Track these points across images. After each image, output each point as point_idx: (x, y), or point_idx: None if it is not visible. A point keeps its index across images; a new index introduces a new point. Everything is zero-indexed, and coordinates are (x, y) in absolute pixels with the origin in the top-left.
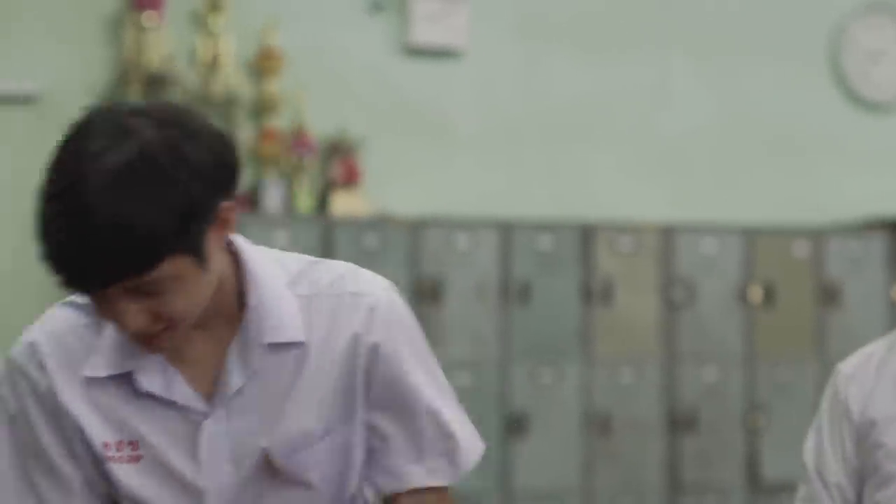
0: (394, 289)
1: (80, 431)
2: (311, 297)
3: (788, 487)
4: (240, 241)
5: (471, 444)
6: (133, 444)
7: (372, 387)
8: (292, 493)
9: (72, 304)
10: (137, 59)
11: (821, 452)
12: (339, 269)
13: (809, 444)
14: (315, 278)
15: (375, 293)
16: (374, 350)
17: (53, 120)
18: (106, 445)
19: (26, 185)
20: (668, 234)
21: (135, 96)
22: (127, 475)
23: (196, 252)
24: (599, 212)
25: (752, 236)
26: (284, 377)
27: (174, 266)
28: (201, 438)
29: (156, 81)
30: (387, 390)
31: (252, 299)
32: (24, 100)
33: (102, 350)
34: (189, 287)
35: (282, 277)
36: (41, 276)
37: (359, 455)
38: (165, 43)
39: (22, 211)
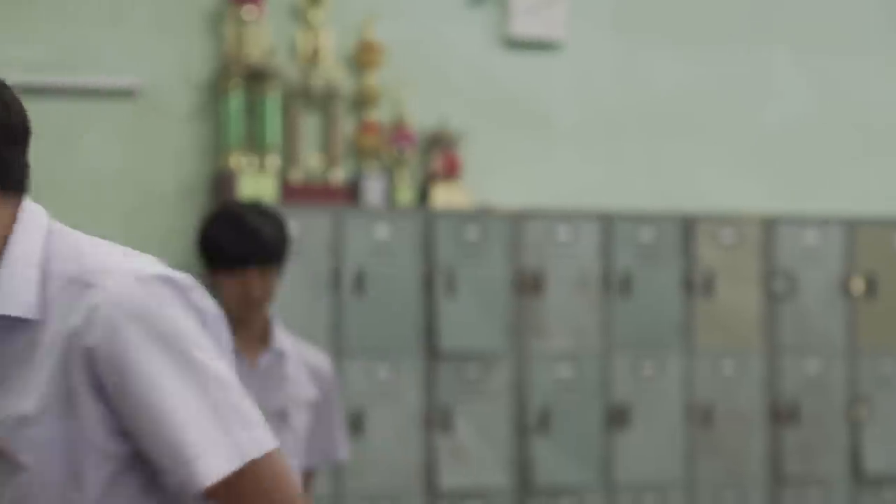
0: (153, 282)
1: None
2: (59, 281)
3: (891, 479)
4: (36, 213)
5: (207, 469)
6: None
7: (104, 391)
8: (10, 472)
9: None
10: (238, 52)
11: None
12: (100, 256)
13: None
14: (77, 263)
15: (107, 288)
16: (89, 354)
17: (154, 113)
18: None
19: (130, 177)
20: (769, 226)
21: (235, 90)
22: None
23: None
24: (700, 203)
25: (853, 227)
26: (11, 352)
27: None
28: None
29: (256, 75)
30: (121, 400)
31: None
32: (126, 93)
33: None
34: None
35: (37, 254)
36: None
37: (94, 453)
38: (265, 36)
39: (127, 202)
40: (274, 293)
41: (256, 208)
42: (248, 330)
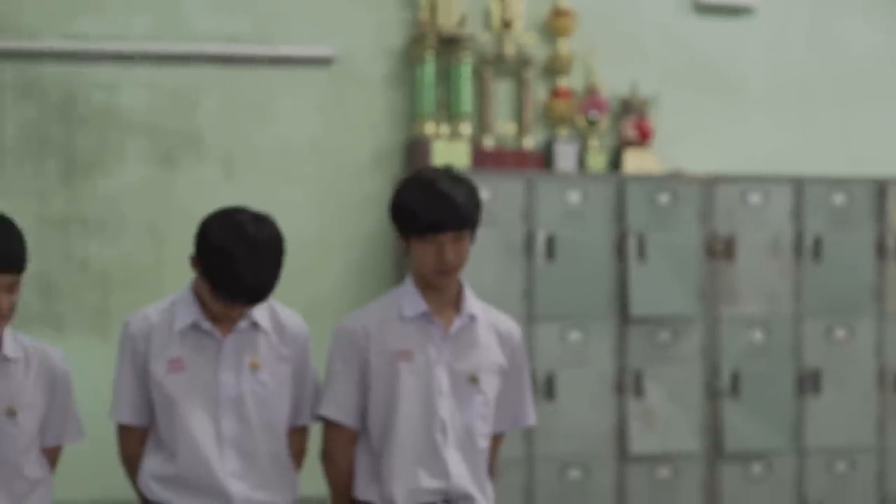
0: None
1: None
2: None
3: None
4: None
5: None
6: None
7: None
8: None
9: None
10: (431, 21)
11: None
12: None
13: None
14: None
15: None
16: None
17: (349, 82)
18: None
19: (325, 145)
20: None
21: (429, 58)
22: None
23: None
24: (894, 168)
25: None
26: None
27: None
28: None
29: (449, 43)
30: None
31: None
32: (321, 62)
33: None
34: None
35: None
36: (344, 232)
37: None
38: (459, 5)
39: (322, 169)
40: (466, 258)
41: (449, 174)
42: (441, 295)
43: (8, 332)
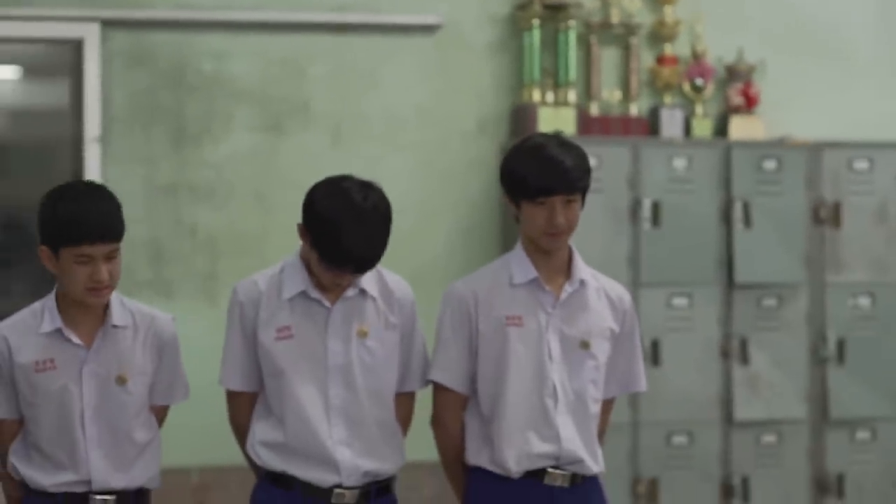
0: None
1: None
2: None
3: None
4: None
5: None
6: None
7: None
8: None
9: None
10: None
11: None
12: None
13: None
14: None
15: None
16: None
17: (455, 49)
18: None
19: (431, 112)
20: None
21: (534, 25)
22: None
23: None
24: None
25: None
26: None
27: None
28: None
29: (555, 10)
30: None
31: None
32: (428, 30)
33: None
34: None
35: None
36: (450, 199)
37: None
38: None
39: (428, 136)
40: (576, 223)
41: (558, 139)
42: (551, 261)
43: (115, 300)
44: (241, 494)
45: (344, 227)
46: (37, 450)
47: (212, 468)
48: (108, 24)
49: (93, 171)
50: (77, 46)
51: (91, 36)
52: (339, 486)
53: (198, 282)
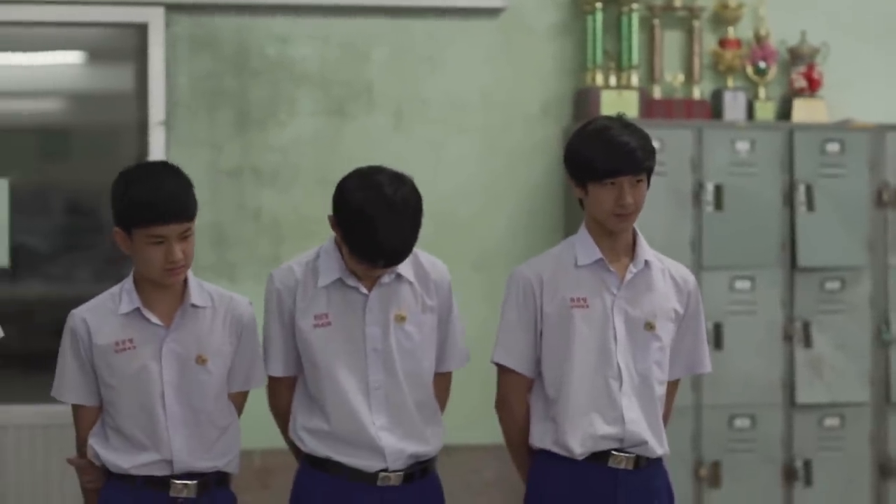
0: None
1: None
2: None
3: None
4: None
5: None
6: None
7: None
8: None
9: None
10: None
11: None
12: None
13: None
14: None
15: None
16: None
17: (518, 32)
18: None
19: (494, 95)
20: None
21: (597, 8)
22: None
23: None
24: None
25: None
26: None
27: None
28: None
29: None
30: None
31: None
32: (491, 13)
33: None
34: None
35: None
36: (513, 182)
37: None
38: None
39: (490, 119)
40: (643, 203)
41: (621, 121)
42: (616, 243)
43: (193, 281)
44: None
45: (375, 221)
46: (117, 432)
47: (274, 451)
48: (172, 9)
49: (157, 156)
50: (142, 31)
51: (156, 20)
52: (384, 470)
53: (261, 265)
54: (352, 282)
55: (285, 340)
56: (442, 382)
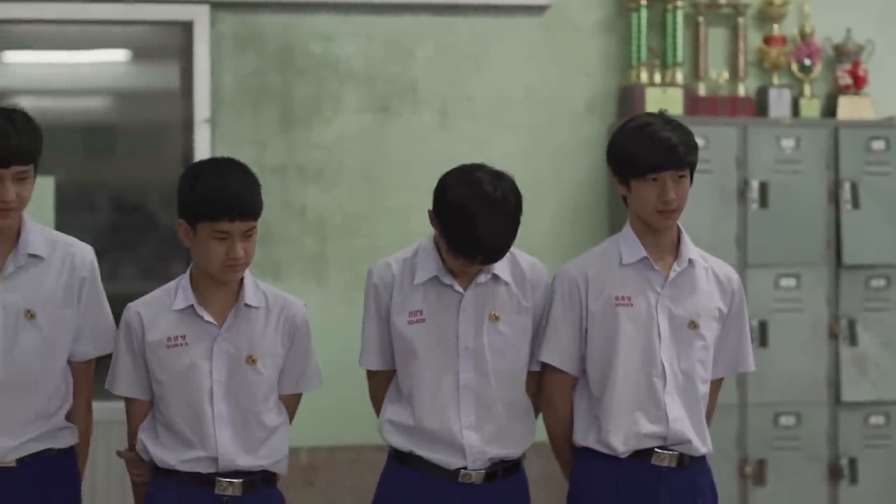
0: None
1: None
2: None
3: None
4: None
5: None
6: None
7: None
8: None
9: None
10: None
11: None
12: None
13: None
14: None
15: None
16: None
17: (563, 29)
18: None
19: (539, 92)
20: None
21: (642, 6)
22: None
23: None
24: None
25: None
26: None
27: None
28: None
29: None
30: None
31: None
32: (536, 10)
33: None
34: None
35: None
36: (558, 180)
37: None
38: None
39: (535, 117)
40: (686, 199)
41: (662, 117)
42: (660, 241)
43: (249, 280)
44: (349, 475)
45: (474, 217)
46: (166, 427)
47: (320, 448)
48: (217, 7)
49: (202, 153)
50: (187, 29)
51: (201, 18)
52: (464, 468)
53: (306, 263)
54: (448, 280)
55: (381, 335)
56: (534, 382)
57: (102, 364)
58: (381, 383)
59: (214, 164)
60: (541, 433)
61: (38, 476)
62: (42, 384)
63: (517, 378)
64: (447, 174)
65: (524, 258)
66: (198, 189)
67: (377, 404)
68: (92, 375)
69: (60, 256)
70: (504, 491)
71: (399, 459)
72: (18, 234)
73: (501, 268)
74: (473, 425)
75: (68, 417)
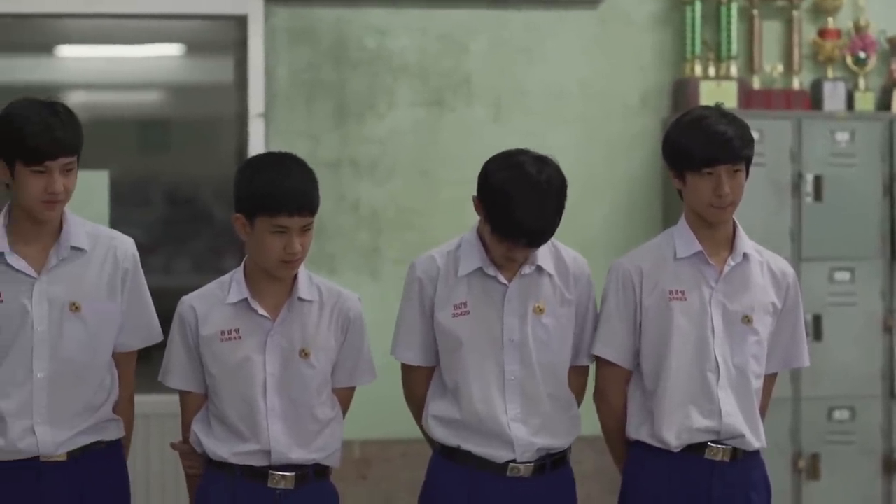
0: None
1: None
2: None
3: None
4: None
5: None
6: None
7: None
8: None
9: None
10: None
11: None
12: None
13: None
14: None
15: None
16: None
17: (617, 23)
18: None
19: (593, 86)
20: None
21: (696, 1)
22: None
23: None
24: None
25: None
26: None
27: None
28: None
29: None
30: None
31: None
32: (590, 4)
33: None
34: None
35: None
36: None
37: None
38: None
39: (589, 110)
40: (742, 193)
41: (718, 111)
42: (715, 235)
43: (303, 274)
44: (402, 468)
45: (517, 200)
46: (219, 420)
47: (374, 442)
48: (271, 1)
49: (256, 147)
50: (241, 22)
51: (255, 12)
52: (513, 461)
53: (360, 256)
54: (492, 271)
55: (424, 329)
56: (577, 376)
57: (156, 357)
58: (419, 379)
59: (274, 158)
60: (594, 427)
61: (88, 469)
62: (88, 377)
63: (561, 371)
64: (490, 159)
65: (567, 251)
66: (256, 183)
67: (413, 400)
68: (133, 367)
69: (103, 249)
70: (552, 484)
71: (446, 455)
72: (60, 228)
73: (545, 260)
74: (520, 417)
75: (114, 410)
